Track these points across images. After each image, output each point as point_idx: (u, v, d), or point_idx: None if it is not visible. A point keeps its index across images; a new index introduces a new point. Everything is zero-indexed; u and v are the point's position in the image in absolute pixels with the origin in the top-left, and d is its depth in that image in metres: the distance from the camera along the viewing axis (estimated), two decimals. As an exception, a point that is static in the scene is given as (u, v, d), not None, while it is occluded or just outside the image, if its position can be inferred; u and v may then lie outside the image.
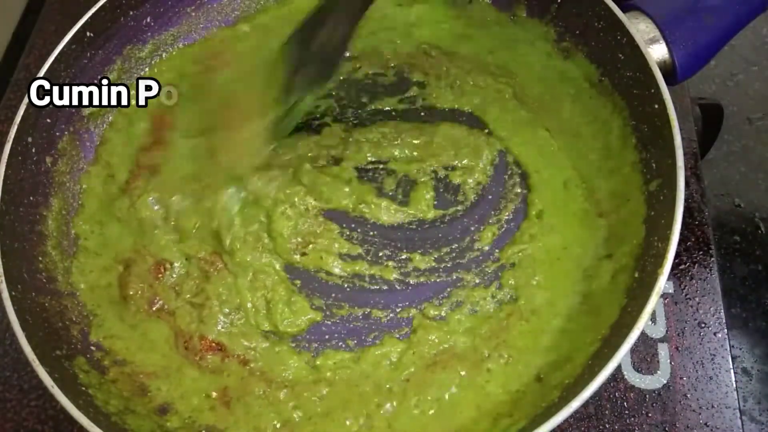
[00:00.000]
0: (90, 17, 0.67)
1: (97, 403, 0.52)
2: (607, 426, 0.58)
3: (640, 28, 0.61)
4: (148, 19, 0.73)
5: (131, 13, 0.71)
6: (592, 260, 0.60)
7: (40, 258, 0.60)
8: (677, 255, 0.62)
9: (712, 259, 0.65)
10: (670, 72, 0.62)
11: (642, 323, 0.48)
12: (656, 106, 0.57)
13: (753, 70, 0.80)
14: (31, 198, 0.62)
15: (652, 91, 0.57)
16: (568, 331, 0.57)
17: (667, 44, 0.61)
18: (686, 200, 0.65)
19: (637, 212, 0.58)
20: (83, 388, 0.53)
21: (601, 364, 0.47)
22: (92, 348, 0.58)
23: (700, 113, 0.76)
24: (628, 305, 0.53)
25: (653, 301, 0.49)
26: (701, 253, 0.65)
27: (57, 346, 0.55)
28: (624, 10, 0.63)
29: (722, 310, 0.62)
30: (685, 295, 0.63)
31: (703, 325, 0.62)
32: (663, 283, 0.50)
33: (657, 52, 0.61)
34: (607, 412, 0.58)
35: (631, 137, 0.61)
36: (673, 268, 0.63)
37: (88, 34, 0.67)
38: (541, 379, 0.55)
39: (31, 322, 0.54)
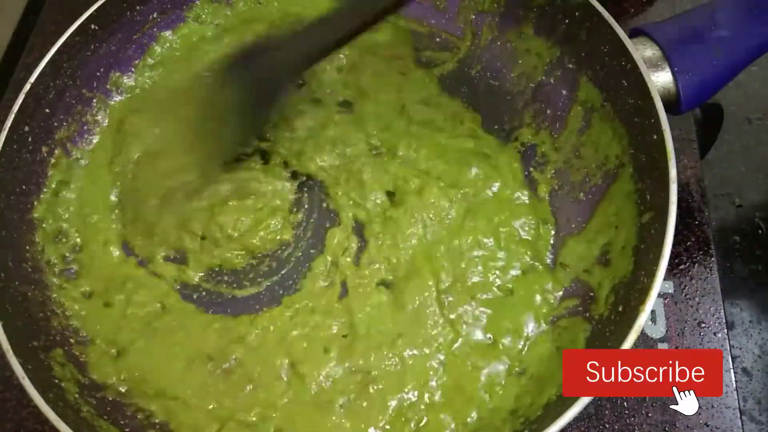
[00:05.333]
0: (96, 10, 0.66)
1: (68, 397, 0.52)
2: (607, 426, 0.58)
3: (646, 55, 0.60)
4: (155, 15, 0.73)
5: (138, 7, 0.71)
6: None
7: (27, 247, 0.61)
8: (677, 255, 0.63)
9: (712, 259, 0.65)
10: (673, 101, 0.60)
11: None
12: (655, 137, 0.56)
13: (753, 70, 0.78)
14: (24, 186, 0.62)
15: (653, 120, 0.56)
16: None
17: (673, 73, 0.60)
18: (686, 200, 0.67)
19: (627, 242, 0.57)
20: (56, 381, 0.53)
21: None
22: (71, 340, 0.58)
23: (700, 113, 0.76)
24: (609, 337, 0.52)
25: (632, 339, 0.48)
26: (701, 253, 0.65)
27: (35, 336, 0.55)
28: (632, 35, 0.62)
29: (722, 310, 0.62)
30: (685, 295, 0.63)
31: (703, 325, 0.62)
32: (644, 318, 0.49)
33: (661, 79, 0.60)
34: (607, 412, 0.58)
35: (629, 166, 0.60)
36: (673, 268, 0.64)
37: (92, 26, 0.67)
38: None
39: (11, 312, 0.54)
